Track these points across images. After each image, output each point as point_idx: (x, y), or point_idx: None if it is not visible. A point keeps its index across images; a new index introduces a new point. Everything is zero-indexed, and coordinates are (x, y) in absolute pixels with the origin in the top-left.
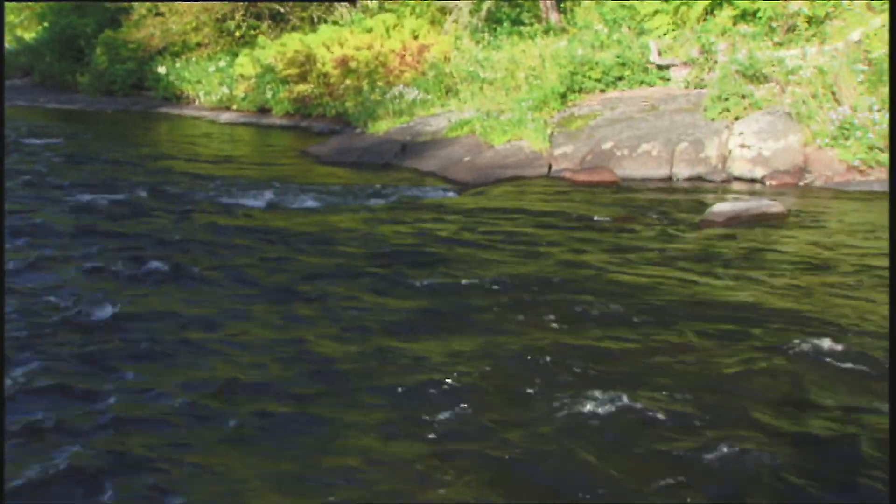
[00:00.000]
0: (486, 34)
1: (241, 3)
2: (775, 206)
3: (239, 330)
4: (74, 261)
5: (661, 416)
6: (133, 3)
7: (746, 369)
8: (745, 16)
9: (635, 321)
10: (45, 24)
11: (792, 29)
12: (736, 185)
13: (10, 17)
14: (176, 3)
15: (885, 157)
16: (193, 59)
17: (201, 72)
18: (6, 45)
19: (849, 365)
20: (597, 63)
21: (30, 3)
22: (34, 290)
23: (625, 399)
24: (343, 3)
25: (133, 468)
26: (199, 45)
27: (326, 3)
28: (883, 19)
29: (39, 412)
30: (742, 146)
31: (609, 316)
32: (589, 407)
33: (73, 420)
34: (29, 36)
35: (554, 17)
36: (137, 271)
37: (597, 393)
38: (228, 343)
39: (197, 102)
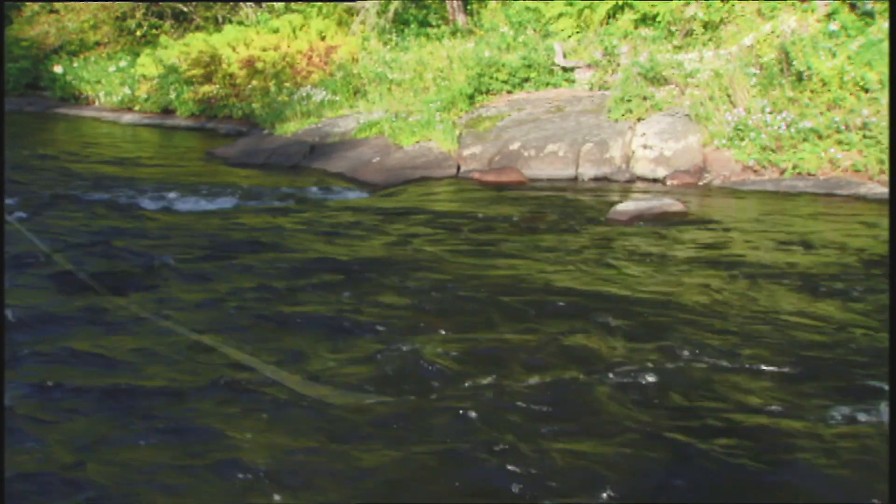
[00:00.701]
0: (394, 35)
1: (142, 2)
2: (676, 206)
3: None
4: None
5: (547, 409)
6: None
7: (640, 363)
8: (646, 19)
9: (531, 315)
10: None
11: (689, 33)
12: (639, 185)
13: None
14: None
15: (776, 158)
16: (92, 58)
17: (101, 72)
18: None
19: (735, 361)
20: (503, 65)
21: None
22: None
23: (510, 393)
24: (248, 4)
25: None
26: (97, 44)
27: (231, 3)
28: (773, 25)
29: None
30: (645, 147)
31: (505, 311)
32: (468, 403)
33: None
34: None
35: (461, 18)
36: (20, 274)
37: (479, 388)
38: (98, 347)
39: (97, 103)
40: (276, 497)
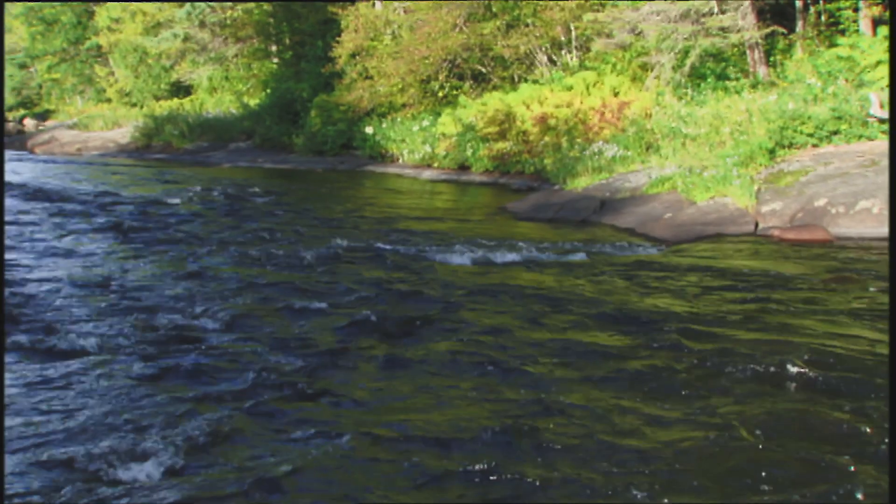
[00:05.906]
0: (689, 90)
1: (444, 65)
2: None
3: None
4: (265, 304)
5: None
6: (345, 68)
7: None
8: None
9: (836, 386)
10: (268, 91)
11: None
12: None
13: (237, 86)
14: (384, 66)
15: None
16: (398, 118)
17: (405, 131)
18: (233, 110)
19: None
20: (809, 117)
21: (254, 72)
22: (232, 341)
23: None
24: (543, 63)
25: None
26: (404, 105)
27: (527, 63)
28: None
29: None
30: None
31: (813, 383)
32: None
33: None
34: (253, 102)
35: (762, 71)
36: (334, 324)
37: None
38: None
39: (400, 160)
40: None
